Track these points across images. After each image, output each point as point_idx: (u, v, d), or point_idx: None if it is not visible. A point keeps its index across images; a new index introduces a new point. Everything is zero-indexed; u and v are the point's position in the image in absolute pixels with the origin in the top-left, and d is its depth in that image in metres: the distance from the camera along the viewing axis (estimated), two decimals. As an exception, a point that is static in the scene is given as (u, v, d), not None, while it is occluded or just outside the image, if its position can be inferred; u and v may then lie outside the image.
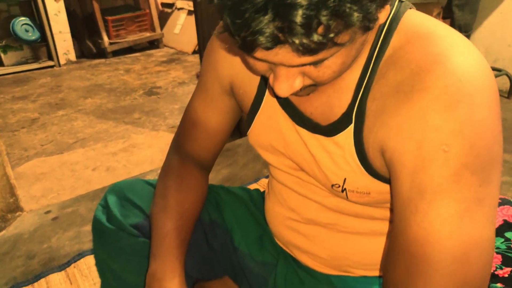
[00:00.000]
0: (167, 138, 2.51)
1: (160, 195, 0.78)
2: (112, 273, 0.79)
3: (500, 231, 0.81)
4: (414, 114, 0.51)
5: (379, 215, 0.69)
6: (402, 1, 0.58)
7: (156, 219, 0.74)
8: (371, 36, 0.56)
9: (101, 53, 4.52)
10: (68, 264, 1.36)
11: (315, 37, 0.41)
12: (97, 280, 1.28)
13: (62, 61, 4.30)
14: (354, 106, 0.59)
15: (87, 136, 2.62)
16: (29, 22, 4.04)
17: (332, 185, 0.65)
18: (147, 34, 4.78)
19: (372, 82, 0.57)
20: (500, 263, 0.75)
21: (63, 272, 1.33)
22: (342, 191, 0.64)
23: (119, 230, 0.77)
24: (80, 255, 1.40)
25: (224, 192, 0.91)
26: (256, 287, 0.85)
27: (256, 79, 0.71)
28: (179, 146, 0.84)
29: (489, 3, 2.62)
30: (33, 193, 1.97)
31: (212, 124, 0.80)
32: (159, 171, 0.84)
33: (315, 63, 0.48)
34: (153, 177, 1.89)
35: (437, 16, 2.45)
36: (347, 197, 0.65)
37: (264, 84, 0.70)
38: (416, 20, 0.56)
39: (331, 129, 0.62)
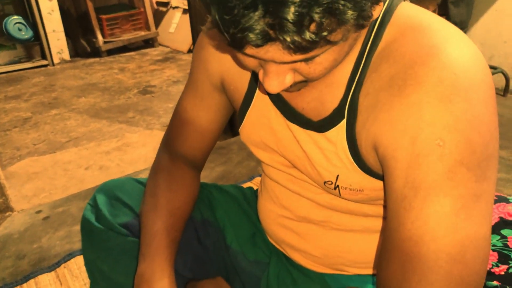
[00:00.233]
0: (161, 137, 2.46)
1: (150, 194, 0.76)
2: (101, 273, 0.77)
3: (496, 229, 0.80)
4: (407, 108, 0.49)
5: (373, 212, 0.68)
6: (396, -7, 0.57)
7: (146, 218, 0.73)
8: (363, 29, 0.55)
9: (96, 52, 4.50)
10: (58, 264, 1.34)
11: (307, 35, 0.39)
12: (88, 281, 1.25)
13: (55, 60, 4.27)
14: (346, 101, 0.58)
15: (80, 135, 2.60)
16: (22, 21, 4.01)
17: (325, 182, 0.64)
18: (142, 33, 4.75)
19: (365, 77, 0.56)
20: (497, 260, 0.74)
21: (53, 272, 1.31)
22: (335, 188, 0.63)
23: (108, 229, 0.75)
24: (71, 255, 1.38)
25: (217, 190, 0.90)
26: (248, 286, 0.84)
27: (247, 75, 0.69)
28: (170, 145, 0.83)
29: (484, 0, 2.62)
30: (25, 193, 1.95)
31: (202, 122, 0.79)
32: (152, 170, 0.83)
33: (306, 60, 0.46)
34: (146, 175, 1.87)
35: (432, 14, 2.44)
36: (340, 194, 0.63)
37: (255, 80, 0.69)
38: (410, 13, 0.55)
39: (323, 125, 0.61)
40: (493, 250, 0.77)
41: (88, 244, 0.79)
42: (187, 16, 4.46)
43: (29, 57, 4.20)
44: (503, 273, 0.72)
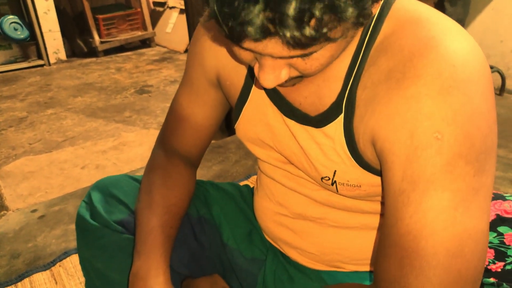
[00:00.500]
0: (157, 136, 2.48)
1: (145, 191, 0.76)
2: (95, 271, 0.77)
3: (493, 226, 0.80)
4: (406, 101, 0.49)
5: (370, 209, 0.67)
6: (393, -14, 0.56)
7: (141, 215, 0.72)
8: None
9: (92, 52, 4.48)
10: (53, 263, 1.33)
11: (307, 31, 0.39)
12: (83, 279, 1.24)
13: (52, 60, 4.25)
14: (344, 95, 0.57)
15: (77, 135, 2.59)
16: (18, 21, 3.99)
17: (322, 178, 0.63)
18: (139, 33, 4.74)
19: (363, 70, 0.55)
20: (493, 257, 0.74)
21: (48, 271, 1.30)
22: (332, 184, 0.62)
23: (103, 227, 0.75)
24: (66, 254, 1.37)
25: (213, 188, 0.90)
26: (245, 283, 0.84)
27: (243, 70, 0.69)
28: (165, 142, 0.82)
29: None
30: (20, 192, 1.93)
31: (198, 119, 0.78)
32: (148, 168, 0.82)
33: (303, 56, 0.46)
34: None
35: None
36: (337, 191, 0.63)
37: (252, 75, 0.68)
38: (408, 6, 0.55)
39: (321, 120, 0.60)
40: (490, 247, 0.76)
41: (83, 242, 0.78)
42: (184, 16, 4.45)
43: (25, 57, 4.18)
44: (499, 270, 0.72)
